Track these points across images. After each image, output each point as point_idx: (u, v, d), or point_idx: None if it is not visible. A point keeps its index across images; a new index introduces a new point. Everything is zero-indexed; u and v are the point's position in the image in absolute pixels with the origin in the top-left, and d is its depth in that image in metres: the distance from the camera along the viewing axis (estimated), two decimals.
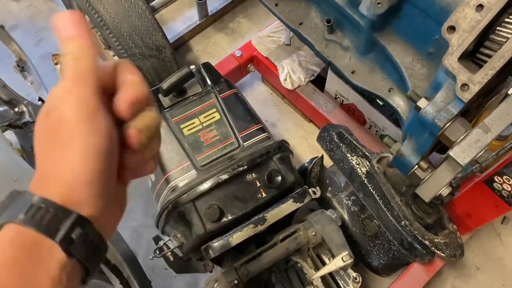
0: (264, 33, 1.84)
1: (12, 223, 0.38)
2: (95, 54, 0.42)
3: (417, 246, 1.25)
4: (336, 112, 1.73)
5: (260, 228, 1.09)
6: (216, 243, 1.08)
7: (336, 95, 1.72)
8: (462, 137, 0.79)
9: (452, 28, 0.76)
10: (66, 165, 0.40)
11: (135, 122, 0.44)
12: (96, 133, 0.40)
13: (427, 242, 1.22)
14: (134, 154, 0.46)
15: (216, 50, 2.18)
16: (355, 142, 1.35)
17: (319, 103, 1.75)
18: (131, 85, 0.44)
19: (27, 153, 1.18)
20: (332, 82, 1.68)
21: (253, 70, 1.92)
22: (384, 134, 1.64)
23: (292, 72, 1.75)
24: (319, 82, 1.77)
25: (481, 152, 0.79)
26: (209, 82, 1.29)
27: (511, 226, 1.70)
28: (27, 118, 1.20)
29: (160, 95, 1.26)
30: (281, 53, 1.80)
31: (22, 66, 1.52)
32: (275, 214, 1.11)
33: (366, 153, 1.32)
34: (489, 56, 0.75)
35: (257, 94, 2.05)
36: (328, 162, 1.45)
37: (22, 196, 0.40)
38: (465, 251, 1.30)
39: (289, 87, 1.76)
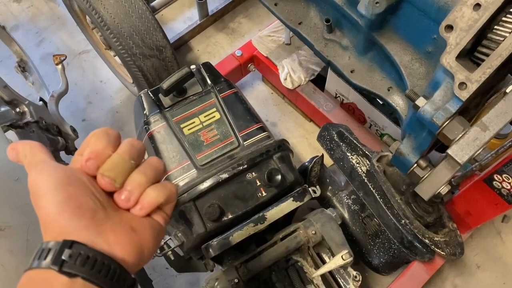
0: (264, 33, 1.85)
1: (29, 270, 0.46)
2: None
3: (417, 244, 1.25)
4: (336, 111, 1.74)
5: (260, 227, 1.09)
6: (217, 242, 1.08)
7: (336, 94, 1.72)
8: (460, 135, 0.79)
9: (449, 27, 0.76)
10: (41, 209, 0.47)
11: (100, 169, 0.51)
12: (50, 175, 0.48)
13: (427, 241, 1.23)
14: (119, 193, 0.52)
15: (217, 49, 2.18)
16: (355, 141, 1.36)
17: (319, 103, 1.75)
18: (87, 145, 0.52)
19: None
20: (332, 82, 1.68)
21: (254, 69, 1.92)
22: (384, 133, 1.64)
23: (292, 71, 1.76)
24: (319, 81, 1.78)
25: (480, 151, 0.79)
26: (209, 82, 1.29)
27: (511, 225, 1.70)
28: (28, 118, 1.20)
29: (160, 95, 1.26)
30: (281, 53, 1.81)
31: (23, 67, 1.53)
32: (275, 213, 1.11)
33: (366, 152, 1.32)
34: (487, 55, 0.76)
35: (257, 94, 2.05)
36: (328, 161, 1.46)
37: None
38: (465, 250, 1.30)
39: (290, 86, 1.76)
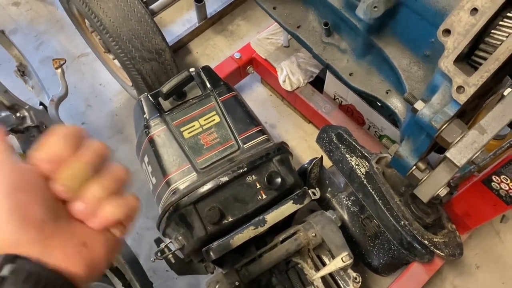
0: (262, 35, 1.85)
1: None
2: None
3: (417, 245, 1.25)
4: (335, 113, 1.74)
5: (261, 229, 1.10)
6: (217, 245, 1.09)
7: (335, 96, 1.73)
8: (459, 138, 0.80)
9: (447, 32, 0.77)
10: None
11: (57, 174, 0.46)
12: (1, 178, 0.43)
13: (426, 242, 1.23)
14: (75, 204, 0.47)
15: (215, 52, 2.19)
16: (354, 143, 1.36)
17: (318, 104, 1.76)
18: (46, 145, 0.47)
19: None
20: (331, 83, 1.69)
21: (252, 72, 1.93)
22: (383, 134, 1.65)
23: (291, 73, 1.76)
24: (318, 83, 1.78)
25: (478, 153, 0.80)
26: (208, 85, 1.30)
27: (510, 225, 1.71)
28: (28, 123, 1.21)
29: (160, 99, 1.27)
30: (279, 55, 1.81)
31: (22, 71, 1.53)
32: (275, 215, 1.12)
33: (365, 154, 1.33)
34: (484, 59, 0.76)
35: (256, 96, 2.06)
36: (327, 162, 1.46)
37: None
38: (464, 250, 1.31)
39: (288, 88, 1.77)
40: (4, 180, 0.44)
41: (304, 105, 1.80)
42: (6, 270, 0.40)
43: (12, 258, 0.40)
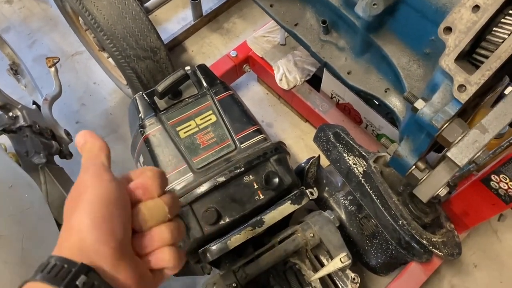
0: (259, 33, 1.84)
1: (32, 281, 0.44)
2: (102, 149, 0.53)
3: (415, 245, 1.24)
4: (332, 111, 1.73)
5: (258, 230, 1.09)
6: (214, 246, 1.07)
7: (332, 94, 1.72)
8: (460, 137, 0.79)
9: (448, 29, 0.76)
10: (73, 213, 0.47)
11: (141, 204, 0.51)
12: (102, 187, 0.48)
13: (424, 242, 1.23)
14: (141, 236, 0.51)
15: (211, 50, 2.17)
16: (351, 142, 1.35)
17: (315, 103, 1.74)
18: (141, 175, 0.53)
19: (22, 158, 1.17)
20: (328, 82, 1.68)
21: (249, 70, 1.91)
22: (380, 133, 1.64)
23: (287, 72, 1.75)
24: (315, 81, 1.77)
25: (479, 153, 0.78)
26: (204, 84, 1.28)
27: (508, 223, 1.70)
28: (21, 122, 1.19)
29: (155, 98, 1.25)
30: (276, 53, 1.80)
31: (15, 70, 1.50)
32: (273, 216, 1.11)
33: (363, 153, 1.32)
34: (486, 57, 0.75)
35: (253, 95, 2.04)
36: (325, 161, 1.45)
37: (45, 260, 0.46)
38: (462, 249, 1.31)
39: (285, 87, 1.75)
40: (99, 190, 0.48)
41: (301, 104, 1.78)
42: (80, 280, 0.43)
43: (87, 270, 0.44)
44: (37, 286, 0.44)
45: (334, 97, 1.72)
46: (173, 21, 2.27)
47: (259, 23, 2.17)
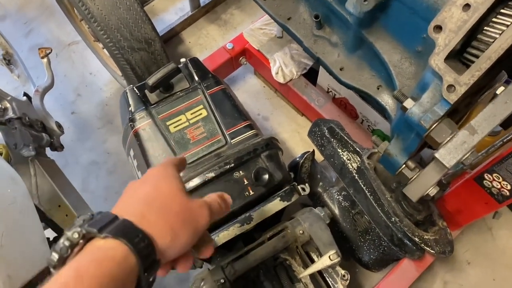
0: (255, 26, 1.82)
1: (113, 239, 0.53)
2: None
3: (407, 242, 1.24)
4: (328, 106, 1.71)
5: (247, 227, 1.08)
6: None
7: (328, 89, 1.70)
8: (448, 138, 0.77)
9: (438, 28, 0.74)
10: (159, 219, 0.59)
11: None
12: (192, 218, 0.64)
13: (416, 239, 1.22)
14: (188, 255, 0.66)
15: (208, 41, 2.15)
16: (346, 138, 1.34)
17: (311, 97, 1.73)
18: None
19: (11, 150, 1.16)
20: (325, 76, 1.66)
21: (245, 63, 1.89)
22: (376, 129, 1.62)
23: (284, 65, 1.73)
24: (311, 75, 1.75)
25: (468, 154, 0.77)
26: (196, 78, 1.26)
27: (503, 221, 1.69)
28: (10, 114, 1.17)
29: (146, 91, 1.23)
30: (273, 46, 1.78)
31: (8, 59, 1.49)
32: (262, 213, 1.10)
33: (357, 149, 1.31)
34: (477, 56, 0.73)
35: (249, 87, 2.03)
36: (319, 156, 1.44)
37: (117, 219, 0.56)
38: (456, 246, 1.30)
39: (281, 80, 1.74)
40: (176, 209, 0.62)
41: (297, 97, 1.77)
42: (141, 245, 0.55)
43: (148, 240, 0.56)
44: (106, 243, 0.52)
45: (331, 91, 1.70)
46: (170, 12, 2.24)
47: (257, 15, 2.14)
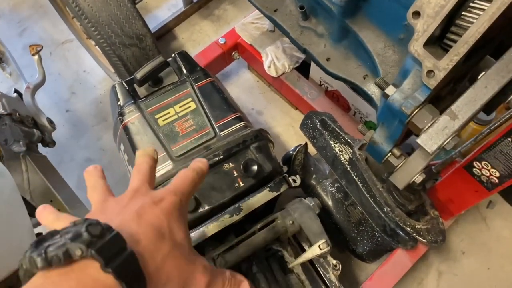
0: (247, 20, 1.82)
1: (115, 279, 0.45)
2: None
3: (400, 232, 1.24)
4: (321, 99, 1.72)
5: (236, 218, 1.08)
6: (193, 234, 1.07)
7: (320, 82, 1.70)
8: (429, 124, 0.78)
9: (417, 14, 0.74)
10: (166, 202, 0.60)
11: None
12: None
13: (408, 229, 1.22)
14: None
15: (202, 37, 2.15)
16: (338, 129, 1.34)
17: (303, 90, 1.73)
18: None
19: (2, 146, 1.17)
20: (317, 69, 1.66)
21: (238, 57, 1.90)
22: (368, 120, 1.63)
23: (276, 59, 1.73)
24: (304, 68, 1.75)
25: (449, 139, 0.77)
26: (184, 71, 1.27)
27: (497, 210, 1.70)
28: (0, 110, 1.19)
29: (135, 85, 1.24)
30: (265, 40, 1.78)
31: (0, 57, 1.50)
32: (251, 203, 1.10)
33: (349, 140, 1.31)
34: (455, 42, 0.74)
35: (243, 82, 2.03)
36: (313, 149, 1.44)
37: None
38: (450, 236, 1.30)
39: (274, 74, 1.74)
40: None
41: (289, 91, 1.77)
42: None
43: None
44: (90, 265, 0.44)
45: (323, 84, 1.70)
46: (163, 8, 2.25)
47: (250, 9, 2.12)
